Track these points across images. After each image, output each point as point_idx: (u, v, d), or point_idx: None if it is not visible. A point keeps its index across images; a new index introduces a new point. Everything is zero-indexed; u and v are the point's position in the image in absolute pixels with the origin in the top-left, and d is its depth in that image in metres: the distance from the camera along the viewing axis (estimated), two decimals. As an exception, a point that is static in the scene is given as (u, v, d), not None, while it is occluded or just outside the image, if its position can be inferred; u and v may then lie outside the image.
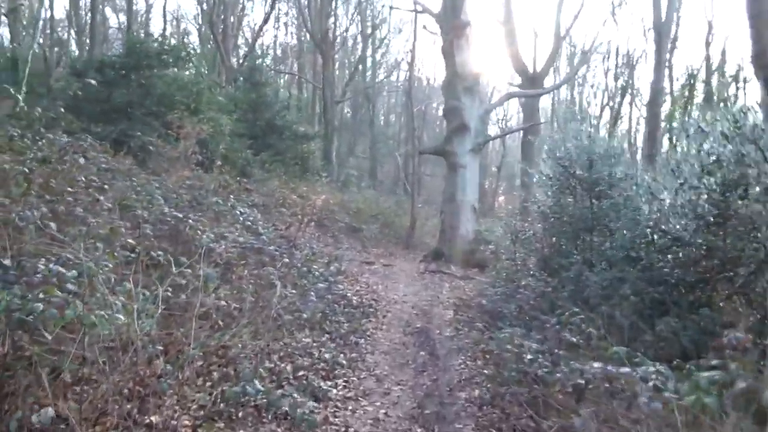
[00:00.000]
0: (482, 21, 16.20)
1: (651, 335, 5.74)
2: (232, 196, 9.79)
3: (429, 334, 7.97)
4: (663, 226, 7.08)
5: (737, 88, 24.81)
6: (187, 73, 18.99)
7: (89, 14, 26.58)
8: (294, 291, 7.20)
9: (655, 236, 7.20)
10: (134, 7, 33.51)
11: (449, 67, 14.78)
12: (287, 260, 8.23)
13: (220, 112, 18.27)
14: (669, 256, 6.97)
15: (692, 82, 25.52)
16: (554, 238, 8.90)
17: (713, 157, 6.18)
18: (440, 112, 35.39)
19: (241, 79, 23.75)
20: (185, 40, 36.64)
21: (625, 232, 7.58)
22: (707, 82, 25.46)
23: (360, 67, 36.79)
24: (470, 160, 14.78)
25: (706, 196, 6.36)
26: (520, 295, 7.73)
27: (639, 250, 7.24)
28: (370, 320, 8.51)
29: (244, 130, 21.29)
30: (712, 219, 6.21)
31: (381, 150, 38.15)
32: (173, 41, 24.02)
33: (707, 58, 25.29)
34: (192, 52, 19.39)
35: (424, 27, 16.71)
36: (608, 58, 33.45)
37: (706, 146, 6.37)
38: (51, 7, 29.70)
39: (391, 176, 38.77)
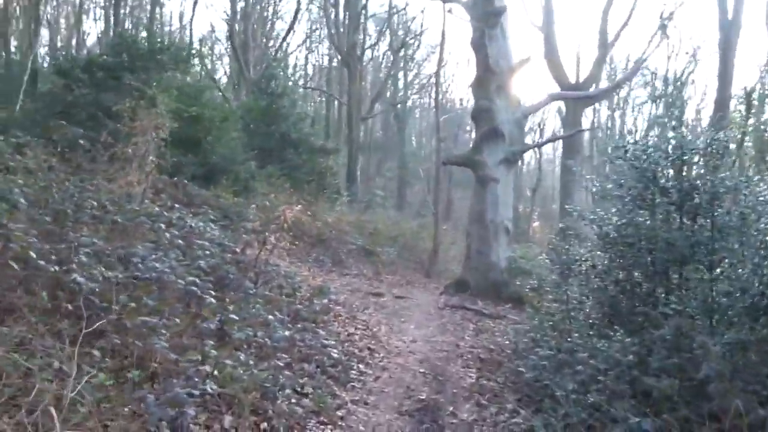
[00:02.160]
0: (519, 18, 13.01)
1: None
2: (180, 209, 7.09)
3: (437, 417, 5.01)
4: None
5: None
6: (189, 79, 16.60)
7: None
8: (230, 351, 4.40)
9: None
10: (162, 26, 31.82)
11: (480, 62, 11.93)
12: (235, 294, 5.44)
13: (224, 119, 15.83)
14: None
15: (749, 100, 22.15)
16: (625, 272, 5.86)
17: None
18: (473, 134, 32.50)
19: (257, 90, 21.36)
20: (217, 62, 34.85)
21: (752, 265, 4.57)
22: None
23: (389, 82, 34.12)
24: (503, 173, 11.84)
25: None
26: (579, 364, 4.72)
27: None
28: (353, 387, 5.60)
29: (257, 142, 18.90)
30: None
31: (410, 171, 35.36)
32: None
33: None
34: (196, 51, 16.88)
35: (449, 11, 13.85)
36: (653, 80, 30.11)
37: None
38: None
39: (419, 199, 35.89)
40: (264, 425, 4.16)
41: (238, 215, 10.44)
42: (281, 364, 5.02)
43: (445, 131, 31.10)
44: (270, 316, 5.57)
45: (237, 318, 5.03)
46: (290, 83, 28.89)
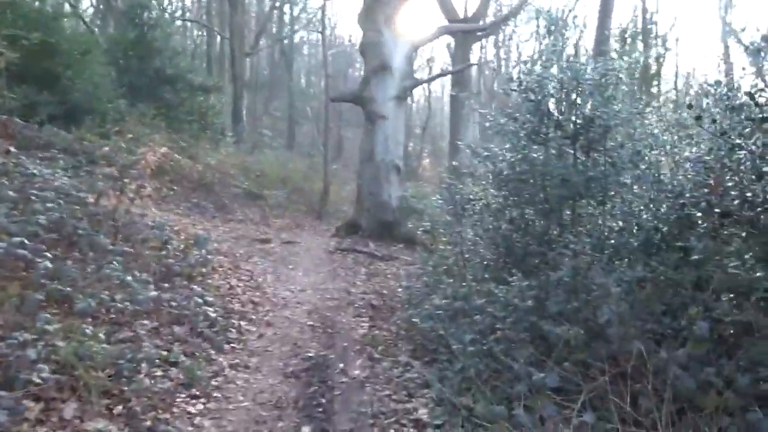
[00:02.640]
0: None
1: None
2: (20, 155, 5.93)
3: (326, 376, 4.53)
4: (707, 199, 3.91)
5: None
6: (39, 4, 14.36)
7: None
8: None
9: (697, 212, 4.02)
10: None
11: (368, -10, 11.12)
12: (85, 254, 4.58)
13: (86, 52, 13.96)
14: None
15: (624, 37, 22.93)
16: (519, 210, 5.57)
17: None
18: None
19: (126, 20, 19.05)
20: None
21: (649, 201, 4.37)
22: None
23: (274, 15, 32.16)
24: (393, 110, 11.31)
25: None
26: (476, 312, 4.37)
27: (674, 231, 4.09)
28: (231, 348, 4.99)
29: (128, 79, 17.00)
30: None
31: (299, 110, 33.98)
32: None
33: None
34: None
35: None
36: (538, 17, 30.38)
37: None
38: None
39: (309, 139, 34.70)
40: (119, 408, 3.48)
41: (103, 159, 9.18)
42: (143, 333, 4.28)
43: (335, 69, 29.97)
44: (129, 277, 4.74)
45: (84, 282, 4.19)
46: (165, 15, 26.26)
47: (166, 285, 5.44)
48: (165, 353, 4.27)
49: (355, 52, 37.34)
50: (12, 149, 5.99)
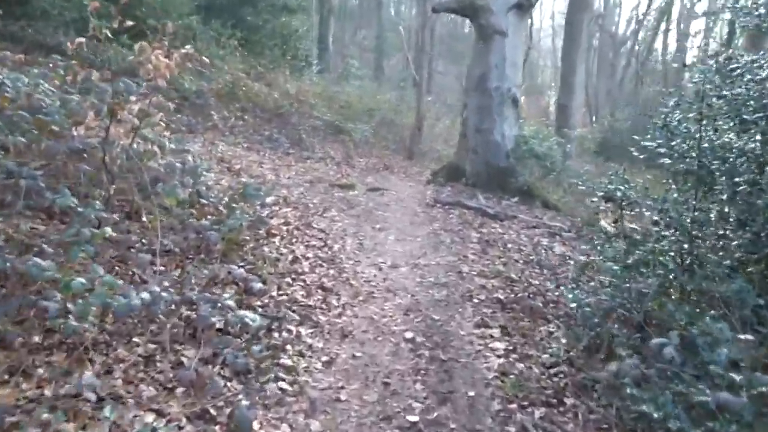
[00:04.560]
0: None
1: None
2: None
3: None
4: None
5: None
6: None
7: None
8: None
9: None
10: None
11: None
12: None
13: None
14: None
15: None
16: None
17: None
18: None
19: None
20: None
21: None
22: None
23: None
24: (513, 22, 8.44)
25: None
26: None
27: None
28: (278, 400, 2.74)
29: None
30: None
31: (389, 41, 30.94)
32: None
33: None
34: None
35: None
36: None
37: None
38: None
39: (398, 72, 31.72)
40: None
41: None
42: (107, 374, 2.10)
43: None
44: (102, 270, 2.55)
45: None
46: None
47: (186, 269, 3.24)
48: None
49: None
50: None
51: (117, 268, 3.29)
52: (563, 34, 15.83)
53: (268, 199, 5.98)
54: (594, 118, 25.36)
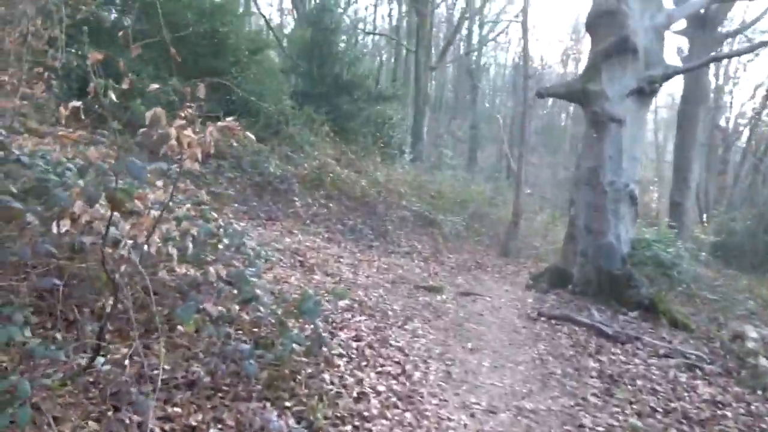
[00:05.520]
0: None
1: None
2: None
3: None
4: None
5: None
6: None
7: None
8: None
9: None
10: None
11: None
12: None
13: (257, 49, 12.03)
14: None
15: None
16: None
17: None
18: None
19: (308, 23, 17.13)
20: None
21: None
22: None
23: (464, 26, 28.82)
24: (632, 109, 7.30)
25: None
26: None
27: None
28: None
29: (304, 84, 15.06)
30: None
31: (483, 132, 30.46)
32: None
33: None
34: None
35: None
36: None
37: None
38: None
39: (491, 163, 30.89)
40: None
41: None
42: None
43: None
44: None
45: None
46: (350, 22, 24.35)
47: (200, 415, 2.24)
48: None
49: (546, 74, 32.97)
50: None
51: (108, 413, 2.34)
52: (676, 128, 14.38)
53: (341, 303, 5.02)
54: (705, 217, 22.95)
